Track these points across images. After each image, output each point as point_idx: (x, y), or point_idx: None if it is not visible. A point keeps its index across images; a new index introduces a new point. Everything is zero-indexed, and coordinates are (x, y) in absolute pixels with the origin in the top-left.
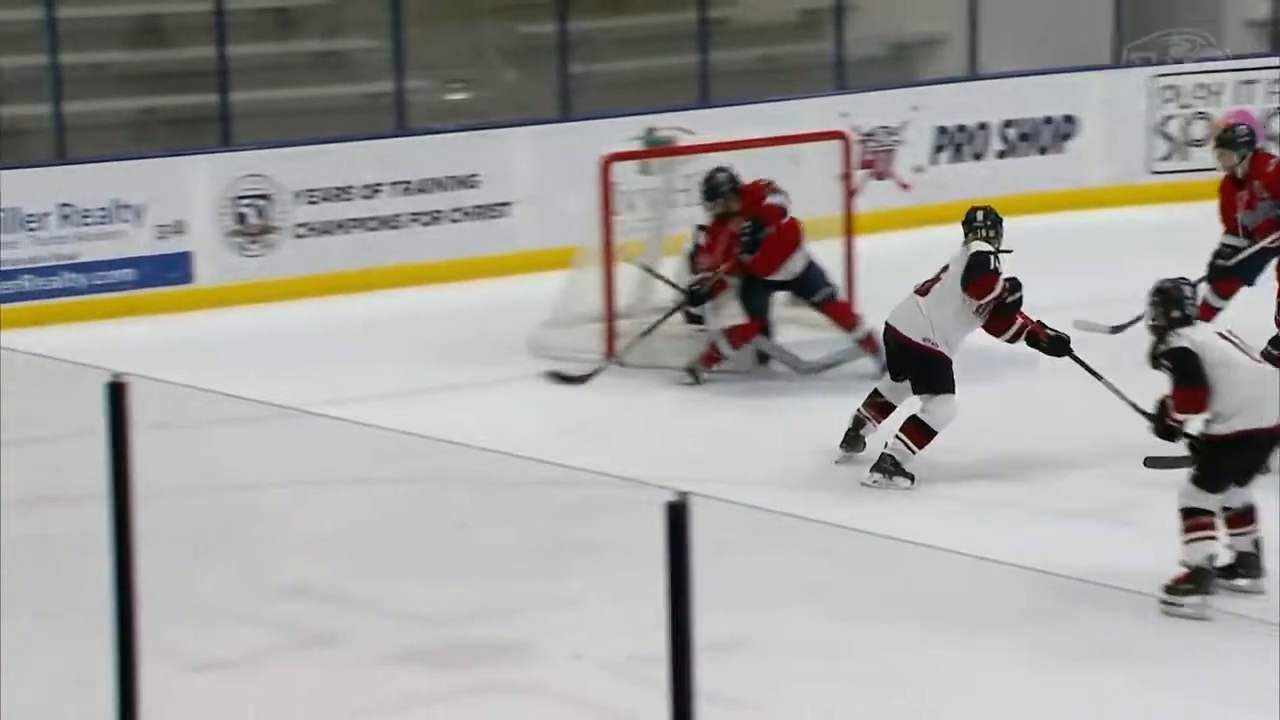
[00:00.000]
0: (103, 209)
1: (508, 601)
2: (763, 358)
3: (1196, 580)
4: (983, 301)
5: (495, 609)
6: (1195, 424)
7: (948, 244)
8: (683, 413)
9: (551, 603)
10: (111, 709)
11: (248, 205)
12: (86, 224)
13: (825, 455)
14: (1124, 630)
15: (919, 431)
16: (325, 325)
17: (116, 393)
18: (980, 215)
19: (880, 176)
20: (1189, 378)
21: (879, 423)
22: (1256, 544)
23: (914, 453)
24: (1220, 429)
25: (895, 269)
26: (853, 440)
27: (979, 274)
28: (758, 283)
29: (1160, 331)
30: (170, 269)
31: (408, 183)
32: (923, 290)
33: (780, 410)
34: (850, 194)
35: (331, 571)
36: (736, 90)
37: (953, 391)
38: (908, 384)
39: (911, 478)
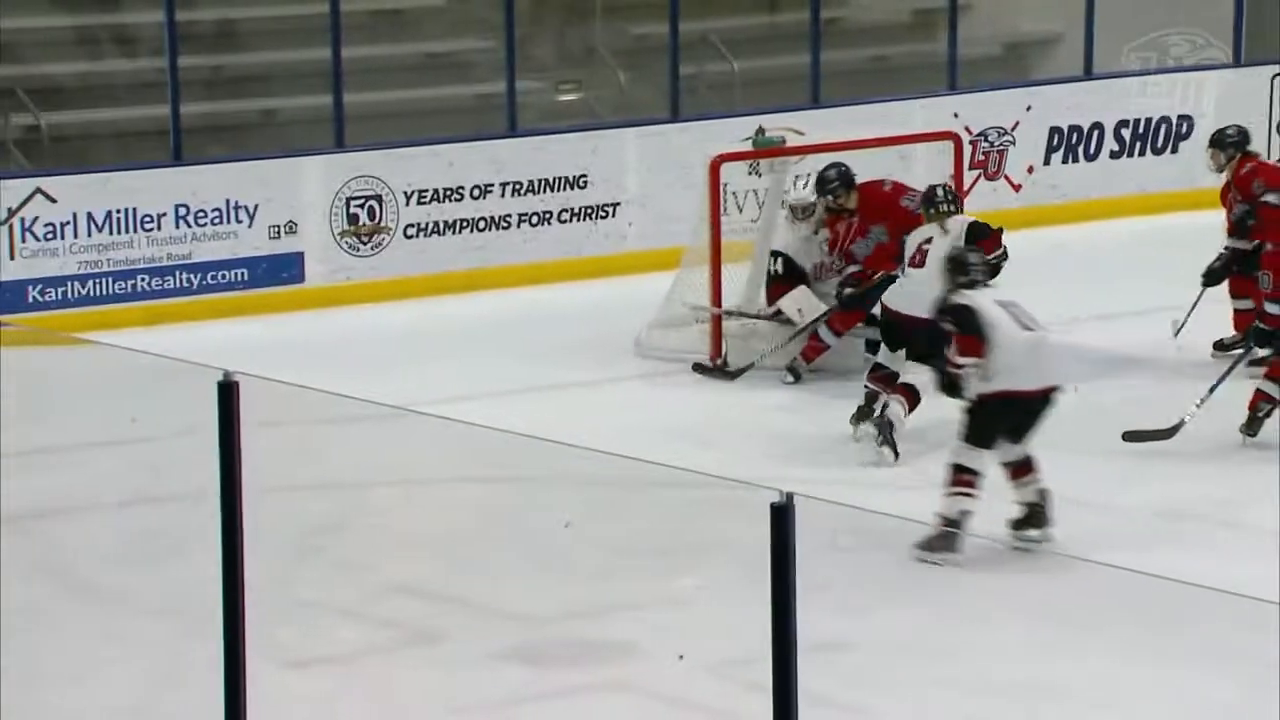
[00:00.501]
0: (217, 210)
1: (611, 601)
2: (871, 346)
3: (947, 534)
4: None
5: (598, 609)
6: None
7: (1060, 245)
8: (790, 413)
9: (655, 603)
10: (219, 704)
11: (359, 205)
12: (201, 224)
13: (931, 456)
14: (1235, 637)
15: (913, 396)
16: (433, 325)
17: (227, 392)
18: (941, 192)
19: (992, 177)
20: (966, 328)
21: (889, 393)
22: (1041, 494)
23: (905, 415)
24: (988, 389)
25: (1007, 270)
26: (865, 414)
27: (987, 236)
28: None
29: (948, 293)
30: (282, 269)
31: (518, 183)
32: (917, 265)
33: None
34: (960, 194)
35: (436, 570)
36: (848, 91)
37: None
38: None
39: (896, 454)
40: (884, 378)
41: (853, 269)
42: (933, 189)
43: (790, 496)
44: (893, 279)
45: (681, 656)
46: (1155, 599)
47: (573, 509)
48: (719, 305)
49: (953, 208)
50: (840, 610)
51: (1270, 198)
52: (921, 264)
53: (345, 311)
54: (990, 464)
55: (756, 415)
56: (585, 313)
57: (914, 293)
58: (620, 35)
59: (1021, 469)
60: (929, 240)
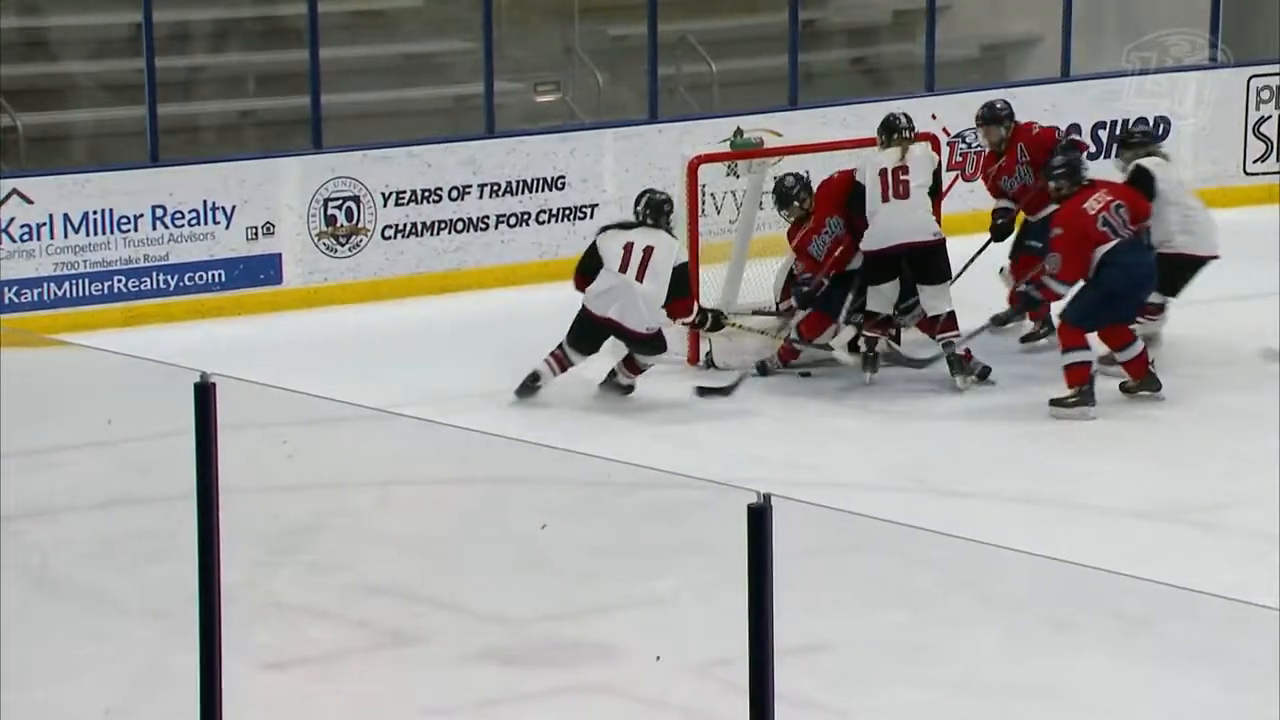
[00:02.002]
0: (194, 211)
1: (589, 603)
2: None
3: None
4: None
5: (576, 610)
6: None
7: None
8: (770, 414)
9: (633, 605)
10: (194, 706)
11: (336, 207)
12: (178, 226)
13: (913, 457)
14: (1214, 636)
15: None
16: (411, 326)
17: (204, 393)
18: (903, 119)
19: (969, 178)
20: None
21: (885, 334)
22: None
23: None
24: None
25: (987, 270)
26: (871, 362)
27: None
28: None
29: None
30: (259, 270)
31: (495, 184)
32: (902, 196)
33: (868, 412)
34: (940, 196)
35: (413, 571)
36: (826, 92)
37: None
38: (890, 286)
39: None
40: (880, 323)
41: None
42: (893, 116)
43: (768, 498)
44: (847, 276)
45: (659, 658)
46: (1134, 600)
47: (550, 510)
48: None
49: (911, 133)
50: (820, 611)
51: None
52: (905, 194)
53: (323, 313)
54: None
55: (735, 416)
56: (563, 314)
57: (892, 226)
58: (598, 36)
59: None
60: (901, 168)
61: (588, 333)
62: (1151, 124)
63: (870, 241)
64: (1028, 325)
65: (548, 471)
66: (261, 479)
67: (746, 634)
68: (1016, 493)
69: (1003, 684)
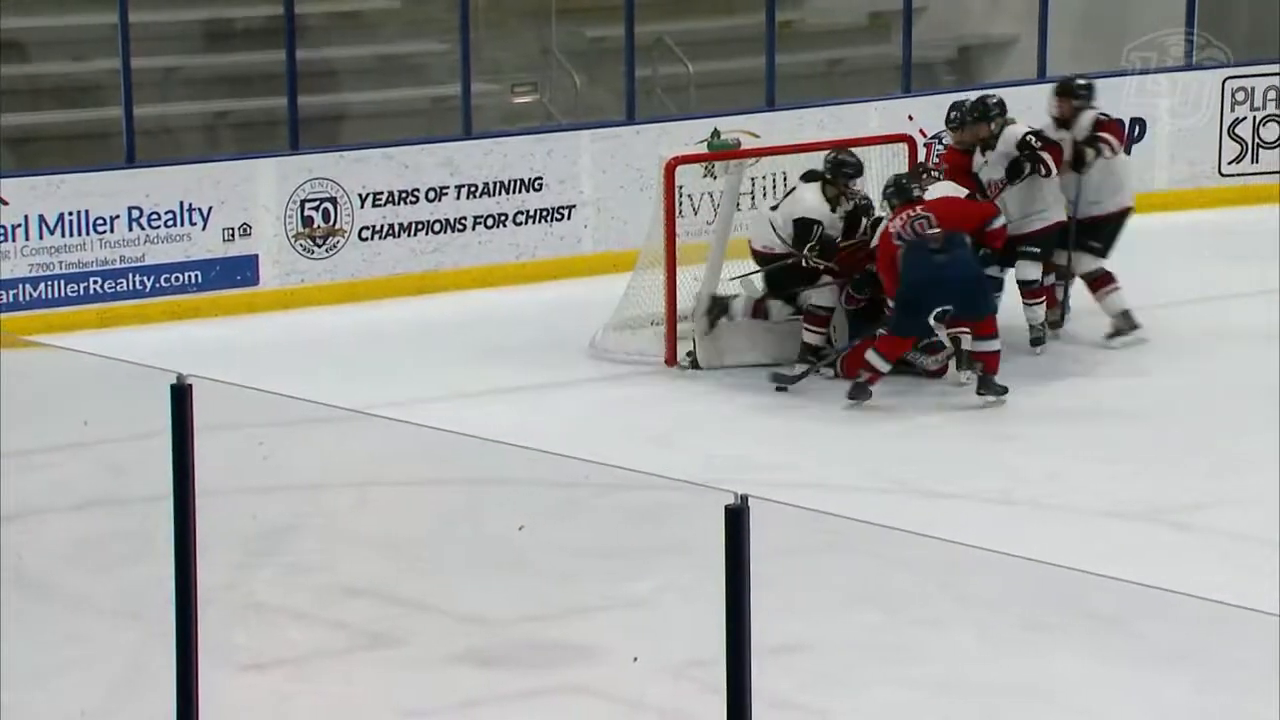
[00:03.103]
0: (170, 212)
1: (567, 604)
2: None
3: None
4: None
5: (554, 612)
6: None
7: None
8: (746, 414)
9: (611, 606)
10: (171, 708)
11: (313, 208)
12: (154, 227)
13: (891, 458)
14: (1190, 636)
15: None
16: (389, 328)
17: (180, 394)
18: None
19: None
20: None
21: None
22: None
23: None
24: None
25: None
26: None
27: None
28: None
29: None
30: (236, 271)
31: (473, 186)
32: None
33: (845, 413)
34: None
35: (390, 573)
36: (803, 93)
37: None
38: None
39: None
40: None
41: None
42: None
43: (745, 499)
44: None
45: (637, 659)
46: (1110, 600)
47: (528, 512)
48: (674, 308)
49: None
50: (797, 612)
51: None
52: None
53: (300, 314)
54: None
55: (714, 417)
56: (540, 315)
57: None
58: (575, 38)
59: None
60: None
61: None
62: (1127, 125)
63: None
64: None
65: (525, 472)
66: (238, 480)
67: (724, 635)
68: (993, 493)
69: (980, 684)
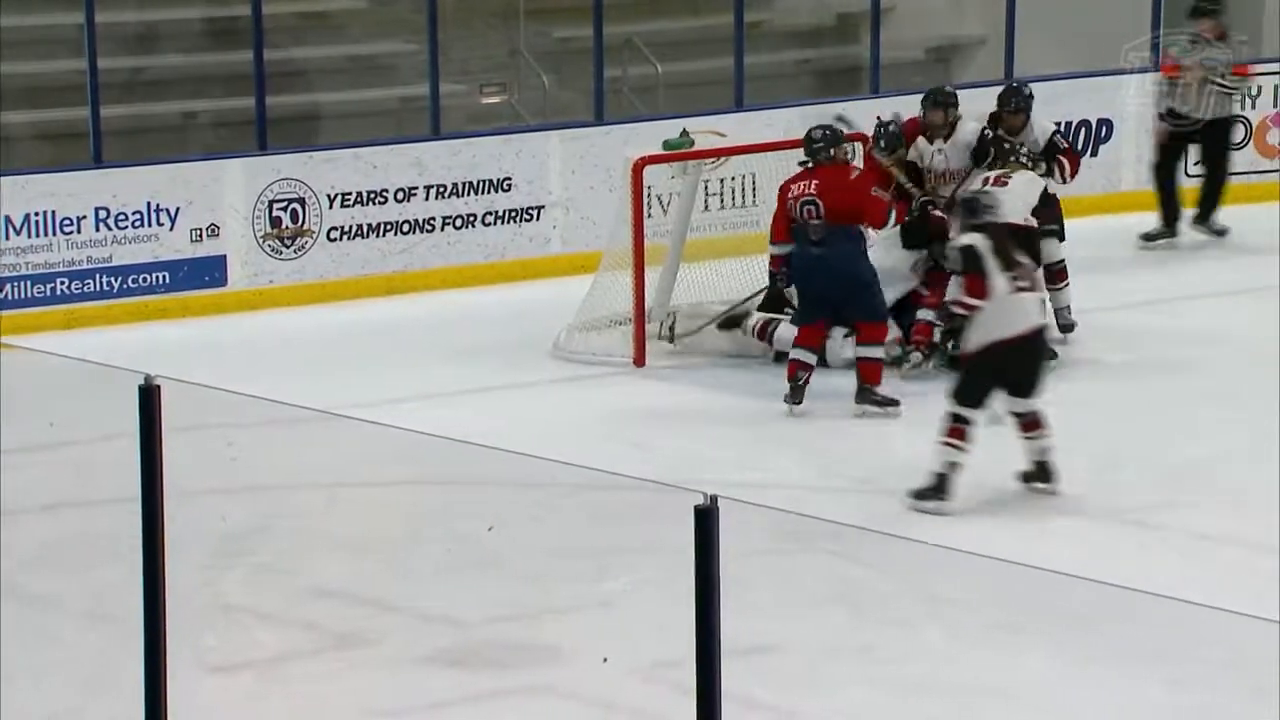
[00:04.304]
0: (138, 213)
1: (536, 605)
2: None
3: (938, 484)
4: None
5: (523, 612)
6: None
7: None
8: (715, 415)
9: (580, 606)
10: (140, 709)
11: (281, 209)
12: (121, 228)
13: (859, 459)
14: (1158, 635)
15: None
16: (357, 329)
17: (148, 395)
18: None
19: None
20: (971, 268)
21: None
22: (1045, 450)
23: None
24: (974, 343)
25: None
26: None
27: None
28: None
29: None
30: (204, 272)
31: (441, 186)
32: None
33: (815, 413)
34: None
35: (360, 574)
36: (772, 94)
37: None
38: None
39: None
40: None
41: None
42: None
43: (714, 499)
44: None
45: (606, 659)
46: (1078, 600)
47: (498, 512)
48: (642, 309)
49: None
50: (767, 612)
51: None
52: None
53: (268, 315)
54: (981, 419)
55: (683, 417)
56: (510, 316)
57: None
58: (544, 38)
59: (1030, 424)
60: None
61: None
62: (1094, 125)
63: None
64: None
65: (494, 473)
66: (207, 482)
67: (694, 635)
68: (959, 493)
69: (949, 684)
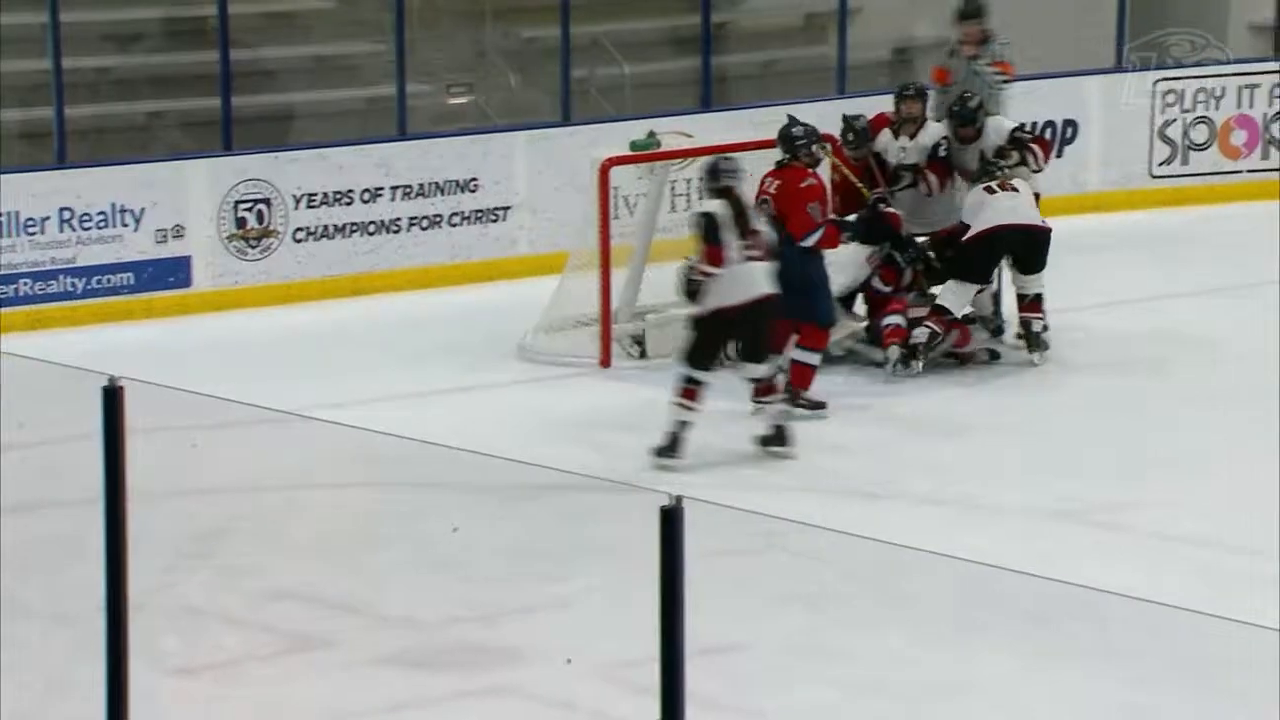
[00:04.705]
0: (102, 213)
1: (499, 605)
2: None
3: (671, 441)
4: None
5: (487, 613)
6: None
7: None
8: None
9: (544, 607)
10: (102, 711)
11: (247, 209)
12: (85, 228)
13: (823, 459)
14: (1116, 634)
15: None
16: (323, 329)
17: (112, 397)
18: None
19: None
20: (710, 237)
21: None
22: (785, 414)
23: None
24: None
25: None
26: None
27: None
28: None
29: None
30: (169, 273)
31: (407, 187)
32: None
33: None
34: None
35: (322, 575)
36: (738, 95)
37: None
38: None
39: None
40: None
41: None
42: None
43: (679, 499)
44: None
45: (570, 660)
46: (1038, 599)
47: (461, 513)
48: (608, 310)
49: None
50: (731, 613)
51: None
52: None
53: (233, 316)
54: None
55: (646, 418)
56: (476, 317)
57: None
58: (511, 38)
59: (764, 389)
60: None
61: None
62: (1060, 126)
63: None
64: None
65: (459, 474)
66: (171, 483)
67: (658, 635)
68: (924, 494)
69: (911, 684)
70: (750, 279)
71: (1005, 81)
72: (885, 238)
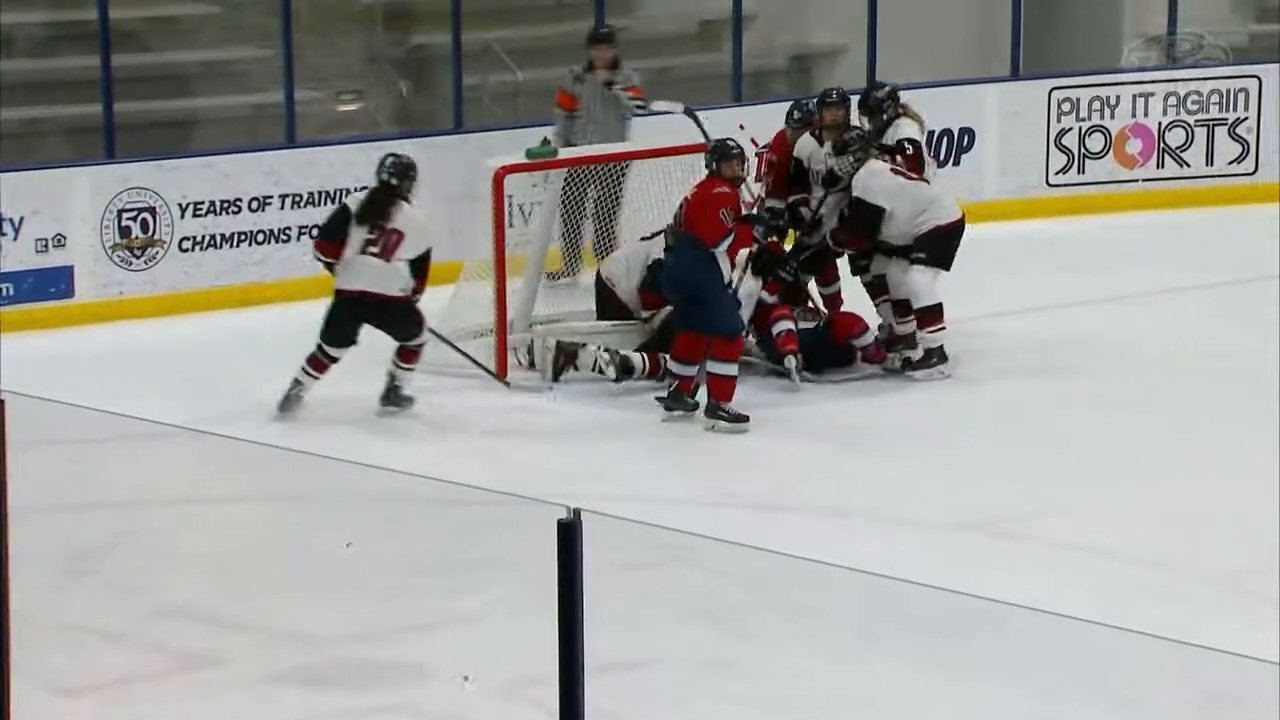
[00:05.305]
0: None
1: (395, 622)
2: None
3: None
4: None
5: (382, 630)
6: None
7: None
8: (576, 427)
9: (441, 623)
10: None
11: (131, 218)
12: None
13: (725, 471)
14: (1020, 646)
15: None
16: (211, 341)
17: None
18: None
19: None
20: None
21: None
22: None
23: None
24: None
25: None
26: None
27: None
28: None
29: None
30: (50, 283)
31: (297, 195)
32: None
33: (679, 425)
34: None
35: (212, 592)
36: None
37: None
38: None
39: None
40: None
41: None
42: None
43: (578, 513)
44: None
45: (468, 678)
46: (943, 612)
47: (356, 528)
48: (504, 320)
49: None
50: (631, 628)
51: None
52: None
53: (118, 327)
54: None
55: (544, 430)
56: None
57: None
58: (401, 44)
59: (408, 354)
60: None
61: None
62: (956, 135)
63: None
64: None
65: (352, 488)
66: (55, 498)
67: (557, 652)
68: (827, 505)
69: (814, 698)
70: (359, 270)
71: (640, 106)
72: (768, 271)
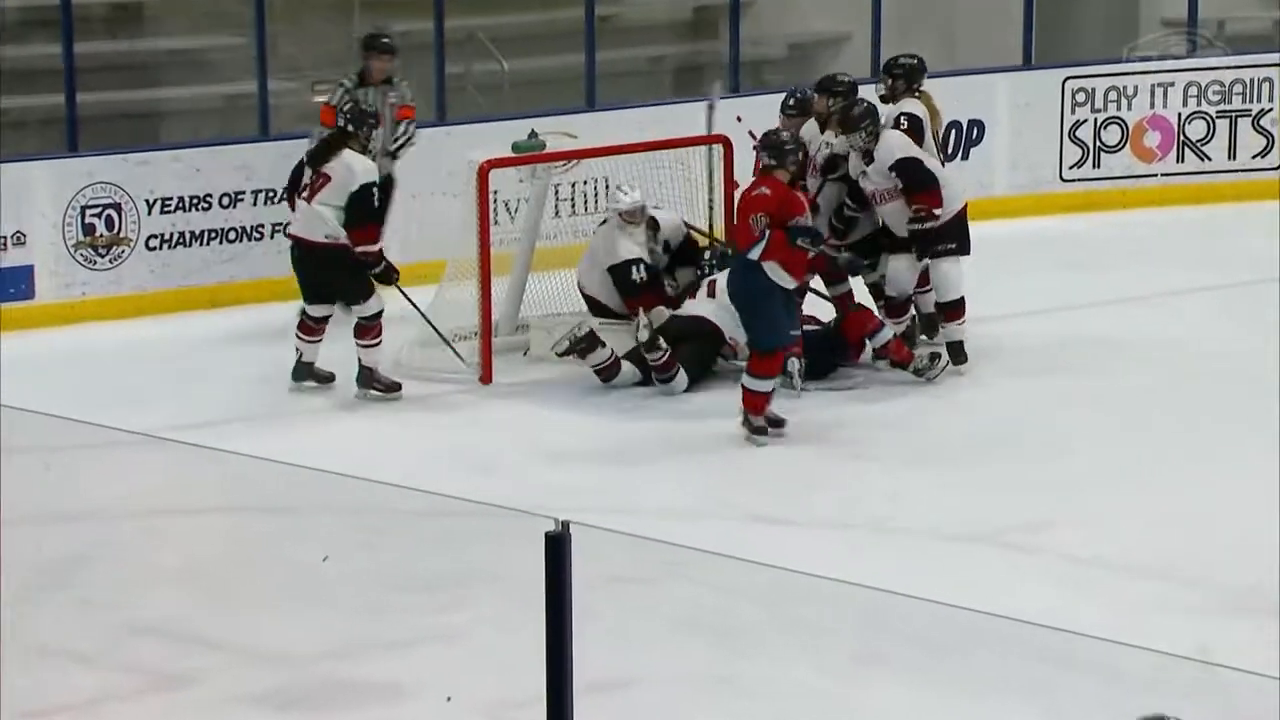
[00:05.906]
0: None
1: (374, 639)
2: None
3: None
4: None
5: (361, 647)
6: None
7: None
8: (569, 435)
9: (423, 640)
10: None
11: (95, 215)
12: None
13: (724, 482)
14: (1021, 664)
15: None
16: (180, 343)
17: None
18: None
19: None
20: None
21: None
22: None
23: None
24: None
25: None
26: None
27: None
28: None
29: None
30: (9, 284)
31: (271, 191)
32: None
33: (676, 435)
34: (728, 199)
35: (184, 608)
36: (626, 92)
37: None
38: None
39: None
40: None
41: None
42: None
43: (566, 525)
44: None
45: (450, 698)
46: (947, 628)
47: (334, 541)
48: (489, 318)
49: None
50: (623, 644)
51: None
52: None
53: (81, 329)
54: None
55: (533, 438)
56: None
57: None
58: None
59: (364, 330)
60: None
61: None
62: (965, 127)
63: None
64: None
65: (331, 499)
66: (20, 510)
67: (545, 670)
68: (829, 517)
69: (813, 715)
70: (295, 217)
71: (404, 139)
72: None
